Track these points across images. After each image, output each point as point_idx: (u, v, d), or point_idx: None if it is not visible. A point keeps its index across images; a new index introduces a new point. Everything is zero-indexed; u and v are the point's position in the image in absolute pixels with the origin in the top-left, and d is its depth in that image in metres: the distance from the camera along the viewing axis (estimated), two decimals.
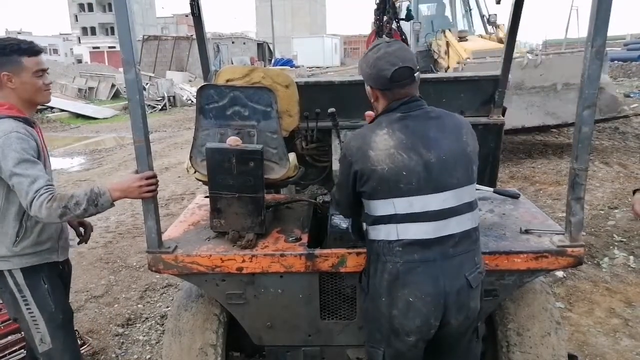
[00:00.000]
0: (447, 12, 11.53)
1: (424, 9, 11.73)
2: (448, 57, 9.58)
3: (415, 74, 1.84)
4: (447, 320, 1.84)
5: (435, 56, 10.18)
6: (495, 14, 10.44)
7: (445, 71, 9.52)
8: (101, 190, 2.02)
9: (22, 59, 2.08)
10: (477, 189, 1.98)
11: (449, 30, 9.99)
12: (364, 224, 2.00)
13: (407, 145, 1.79)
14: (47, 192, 1.95)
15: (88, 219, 2.43)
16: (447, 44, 9.61)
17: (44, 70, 2.17)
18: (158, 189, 2.07)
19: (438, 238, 1.80)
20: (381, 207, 1.82)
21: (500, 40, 9.40)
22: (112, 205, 2.06)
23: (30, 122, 2.15)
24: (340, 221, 2.27)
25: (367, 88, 1.94)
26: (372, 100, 1.96)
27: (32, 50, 2.12)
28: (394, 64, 1.79)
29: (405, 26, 10.48)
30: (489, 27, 10.51)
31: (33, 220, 2.11)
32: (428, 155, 1.78)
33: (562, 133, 9.71)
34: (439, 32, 10.17)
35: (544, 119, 7.70)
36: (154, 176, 2.04)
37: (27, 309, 2.16)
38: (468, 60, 8.34)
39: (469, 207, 1.85)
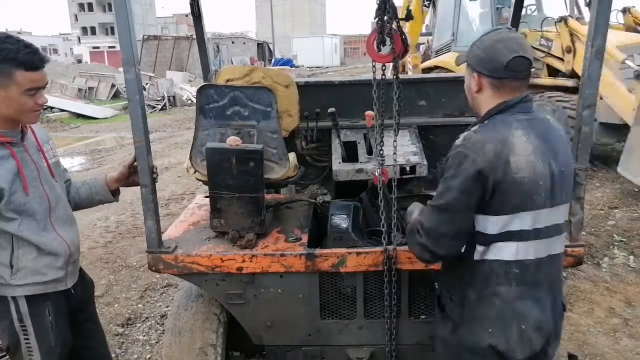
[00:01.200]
0: None
1: None
2: (574, 56, 7.03)
3: (531, 69, 1.65)
4: (545, 348, 1.67)
5: (541, 55, 7.57)
6: None
7: (570, 76, 7.14)
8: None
9: (15, 72, 1.74)
10: None
11: (570, 17, 7.25)
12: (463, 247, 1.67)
13: (542, 152, 1.57)
14: None
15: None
16: (572, 37, 7.00)
17: (40, 88, 1.83)
18: (158, 189, 2.06)
19: (547, 257, 1.63)
20: (504, 222, 1.56)
21: (633, 29, 7.42)
22: None
23: (2, 142, 1.83)
24: (341, 221, 2.27)
25: (472, 76, 1.69)
26: (474, 90, 1.70)
27: (32, 65, 1.76)
28: (513, 51, 1.57)
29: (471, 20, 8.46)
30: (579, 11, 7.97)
31: (26, 248, 1.91)
32: (553, 165, 1.59)
33: None
34: (547, 19, 7.47)
35: None
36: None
37: (25, 339, 1.95)
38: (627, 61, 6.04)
39: (566, 225, 1.73)
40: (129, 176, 2.21)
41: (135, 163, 2.05)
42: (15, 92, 1.76)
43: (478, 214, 1.59)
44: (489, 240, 1.59)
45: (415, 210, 1.87)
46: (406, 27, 11.67)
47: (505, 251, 1.58)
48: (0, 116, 1.82)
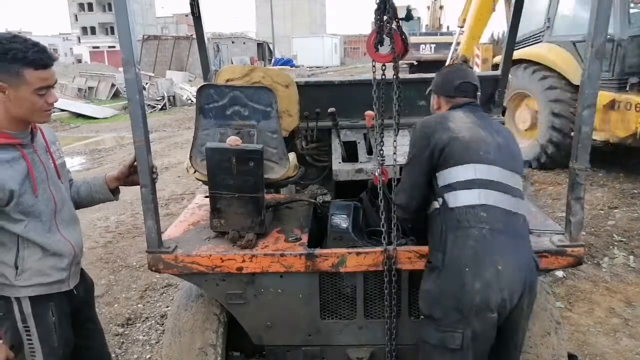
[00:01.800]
0: None
1: None
2: None
3: (477, 93, 2.12)
4: (522, 301, 1.81)
5: None
6: None
7: None
8: None
9: (24, 71, 1.72)
10: None
11: None
12: (437, 201, 1.92)
13: (481, 125, 1.98)
14: None
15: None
16: None
17: (50, 87, 1.82)
18: (158, 189, 2.06)
19: (514, 213, 1.87)
20: (460, 172, 1.88)
21: None
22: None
23: (13, 144, 1.82)
24: (341, 221, 2.27)
25: (433, 98, 2.19)
26: (434, 108, 2.18)
27: (41, 63, 1.75)
28: (462, 77, 2.10)
29: None
30: None
31: (31, 249, 1.89)
32: (498, 138, 1.96)
33: None
34: None
35: None
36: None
37: (28, 340, 1.93)
38: None
39: (522, 197, 1.96)
40: (129, 175, 2.21)
41: (135, 163, 2.05)
42: (26, 92, 1.75)
43: (439, 170, 1.92)
44: (454, 188, 1.88)
45: None
46: (471, 15, 9.50)
47: (470, 196, 1.85)
48: (11, 117, 1.80)
